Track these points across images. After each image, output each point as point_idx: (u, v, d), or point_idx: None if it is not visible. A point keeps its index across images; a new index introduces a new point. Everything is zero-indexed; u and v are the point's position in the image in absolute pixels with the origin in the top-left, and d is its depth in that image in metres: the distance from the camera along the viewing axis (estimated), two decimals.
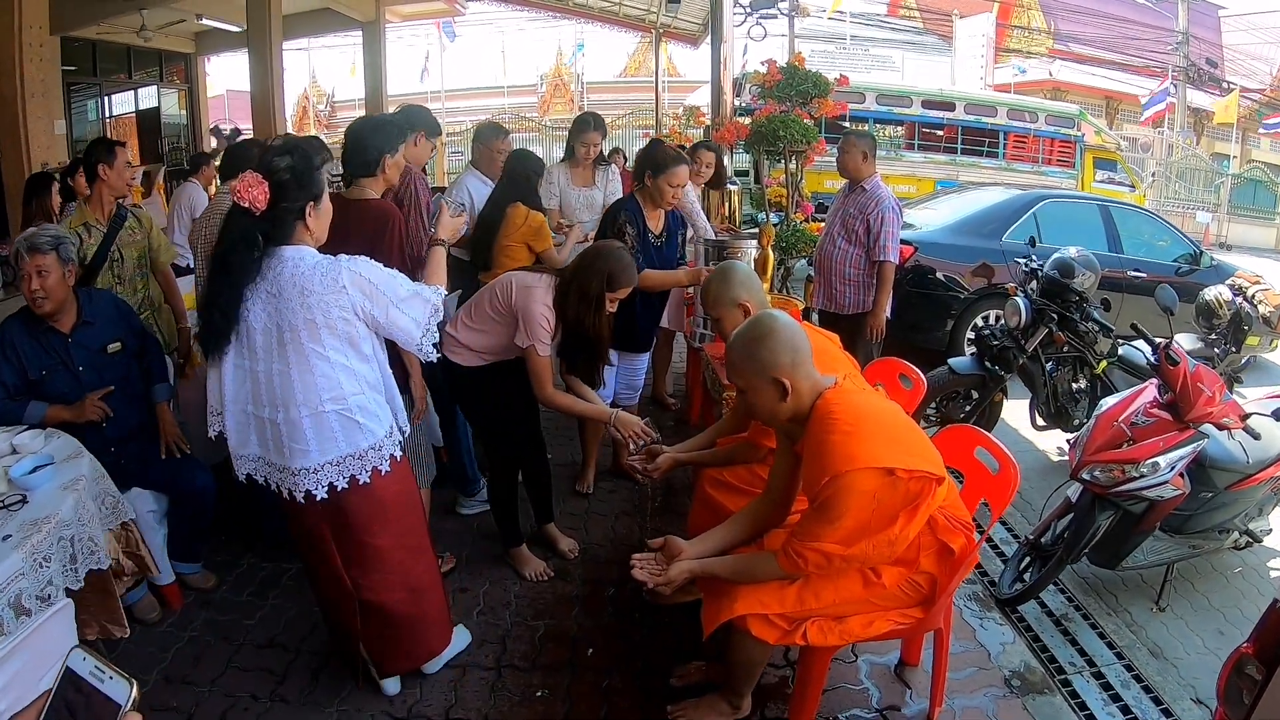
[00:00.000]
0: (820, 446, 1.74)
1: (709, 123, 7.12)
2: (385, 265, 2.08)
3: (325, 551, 2.12)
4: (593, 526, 3.36)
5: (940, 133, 11.69)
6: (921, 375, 2.84)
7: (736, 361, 1.88)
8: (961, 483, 2.29)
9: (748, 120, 5.56)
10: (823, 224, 4.77)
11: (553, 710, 2.31)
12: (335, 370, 1.93)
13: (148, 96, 11.84)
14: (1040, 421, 4.47)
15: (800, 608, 1.86)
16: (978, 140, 11.62)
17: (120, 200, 3.40)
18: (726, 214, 5.48)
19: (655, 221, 3.53)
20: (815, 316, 4.50)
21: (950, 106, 11.63)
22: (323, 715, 2.27)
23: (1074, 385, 4.37)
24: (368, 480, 2.03)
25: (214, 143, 9.76)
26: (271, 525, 2.94)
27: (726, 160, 5.51)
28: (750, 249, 3.82)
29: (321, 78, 24.44)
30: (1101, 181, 12.02)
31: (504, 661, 2.51)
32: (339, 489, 2.00)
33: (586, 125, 4.09)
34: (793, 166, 5.58)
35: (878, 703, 2.36)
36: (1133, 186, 12.58)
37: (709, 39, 9.80)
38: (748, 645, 1.95)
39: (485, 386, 2.76)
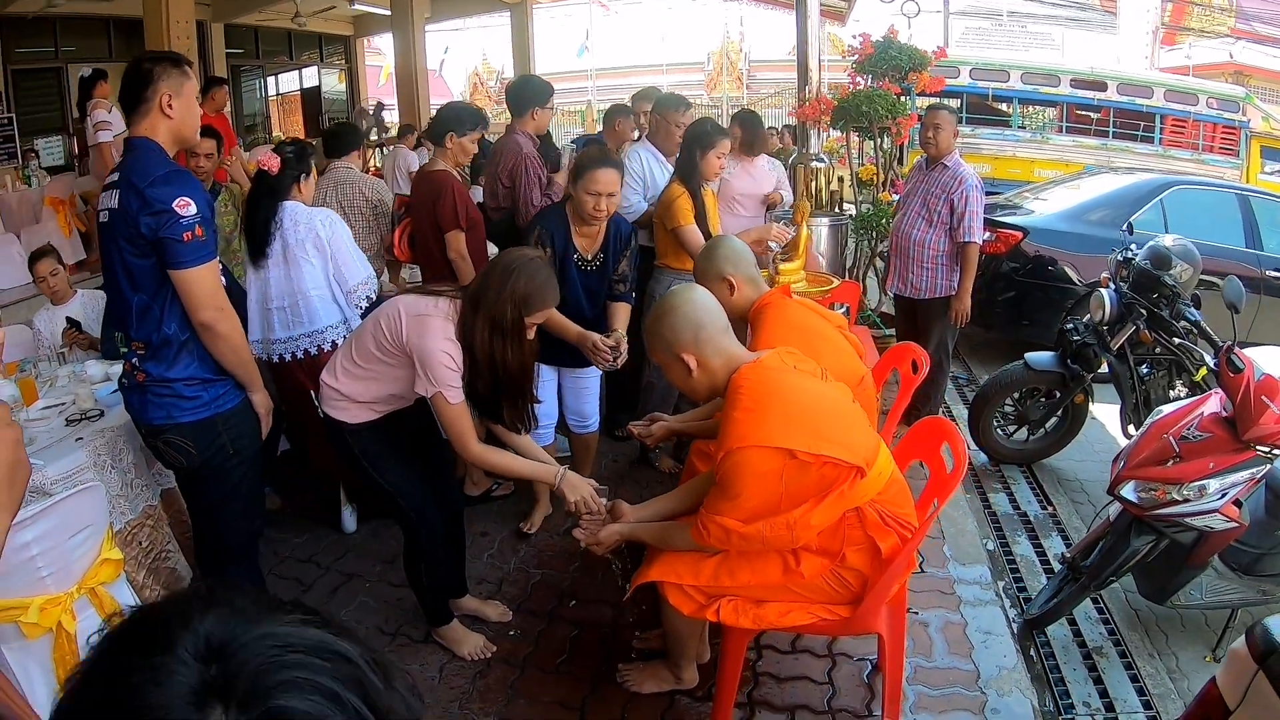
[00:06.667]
0: (723, 421, 1.74)
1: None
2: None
3: (309, 403, 2.71)
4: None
5: (1094, 115, 10.64)
6: (928, 357, 2.67)
7: (647, 339, 1.96)
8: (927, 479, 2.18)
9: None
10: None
11: (516, 650, 2.47)
12: (316, 271, 2.89)
13: (309, 76, 12.93)
14: (1131, 430, 4.03)
15: (715, 583, 1.87)
16: (1132, 123, 10.41)
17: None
18: (812, 193, 5.29)
19: (585, 241, 2.84)
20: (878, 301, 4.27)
21: (1102, 86, 10.47)
22: None
23: (1170, 393, 3.92)
24: (329, 349, 2.91)
25: (362, 123, 10.48)
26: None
27: (814, 138, 5.33)
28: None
29: (491, 57, 25.45)
30: (1271, 174, 10.37)
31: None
32: (315, 352, 2.92)
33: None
34: (885, 144, 5.33)
35: (833, 703, 2.26)
36: None
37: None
38: (670, 615, 2.00)
39: (383, 443, 2.29)
